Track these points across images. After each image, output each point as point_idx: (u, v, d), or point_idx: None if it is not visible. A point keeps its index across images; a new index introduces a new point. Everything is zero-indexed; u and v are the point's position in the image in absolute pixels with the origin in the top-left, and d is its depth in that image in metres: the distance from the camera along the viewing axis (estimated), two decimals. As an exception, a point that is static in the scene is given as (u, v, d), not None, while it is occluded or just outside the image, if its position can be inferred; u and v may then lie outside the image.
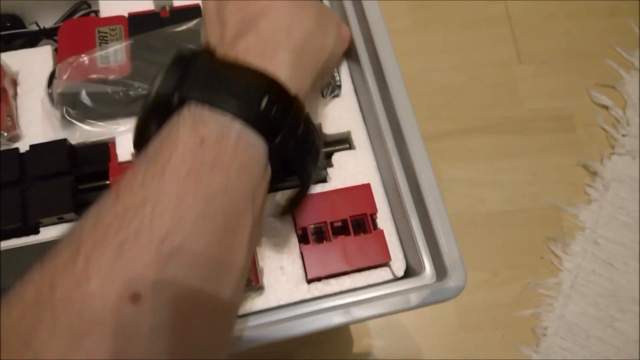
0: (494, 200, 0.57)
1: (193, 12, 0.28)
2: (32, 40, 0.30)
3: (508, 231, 0.56)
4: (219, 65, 0.16)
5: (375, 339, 0.51)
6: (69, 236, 0.13)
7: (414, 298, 0.20)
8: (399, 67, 0.25)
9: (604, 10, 0.68)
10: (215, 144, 0.14)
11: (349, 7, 0.28)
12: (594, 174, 0.59)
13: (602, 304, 0.52)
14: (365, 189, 0.25)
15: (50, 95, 0.25)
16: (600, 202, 0.57)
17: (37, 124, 0.26)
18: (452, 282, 0.20)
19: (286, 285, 0.23)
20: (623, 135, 0.61)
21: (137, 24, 0.27)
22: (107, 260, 0.12)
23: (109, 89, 0.25)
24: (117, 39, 0.27)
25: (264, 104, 0.15)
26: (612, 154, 0.60)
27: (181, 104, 0.15)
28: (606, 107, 0.63)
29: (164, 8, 0.29)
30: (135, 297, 0.12)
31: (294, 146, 0.17)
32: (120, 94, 0.25)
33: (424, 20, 0.65)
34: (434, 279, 0.22)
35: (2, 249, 0.22)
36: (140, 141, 0.16)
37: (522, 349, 0.51)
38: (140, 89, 0.25)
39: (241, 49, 0.17)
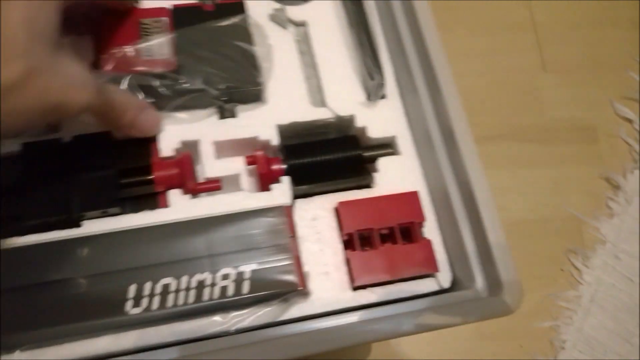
0: (515, 209, 0.56)
1: (237, 7, 0.28)
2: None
3: (529, 240, 0.55)
4: None
5: (391, 342, 0.50)
6: None
7: (470, 312, 0.19)
8: (451, 71, 0.25)
9: (629, 21, 0.67)
10: None
11: (396, 6, 0.27)
12: (616, 187, 0.58)
13: (621, 318, 0.52)
14: (413, 196, 0.24)
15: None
16: (622, 216, 0.56)
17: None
18: (508, 297, 0.20)
19: (331, 291, 0.22)
20: (646, 150, 0.60)
21: (181, 17, 0.27)
22: None
23: (153, 81, 0.25)
24: (160, 32, 0.26)
25: None
26: (636, 168, 0.59)
27: None
28: (629, 121, 0.62)
29: (208, 2, 0.28)
30: None
31: None
32: (165, 88, 0.25)
33: (449, 25, 0.64)
34: (487, 294, 0.21)
35: (42, 241, 0.21)
36: None
37: (539, 360, 0.51)
38: (186, 84, 0.25)
39: None
